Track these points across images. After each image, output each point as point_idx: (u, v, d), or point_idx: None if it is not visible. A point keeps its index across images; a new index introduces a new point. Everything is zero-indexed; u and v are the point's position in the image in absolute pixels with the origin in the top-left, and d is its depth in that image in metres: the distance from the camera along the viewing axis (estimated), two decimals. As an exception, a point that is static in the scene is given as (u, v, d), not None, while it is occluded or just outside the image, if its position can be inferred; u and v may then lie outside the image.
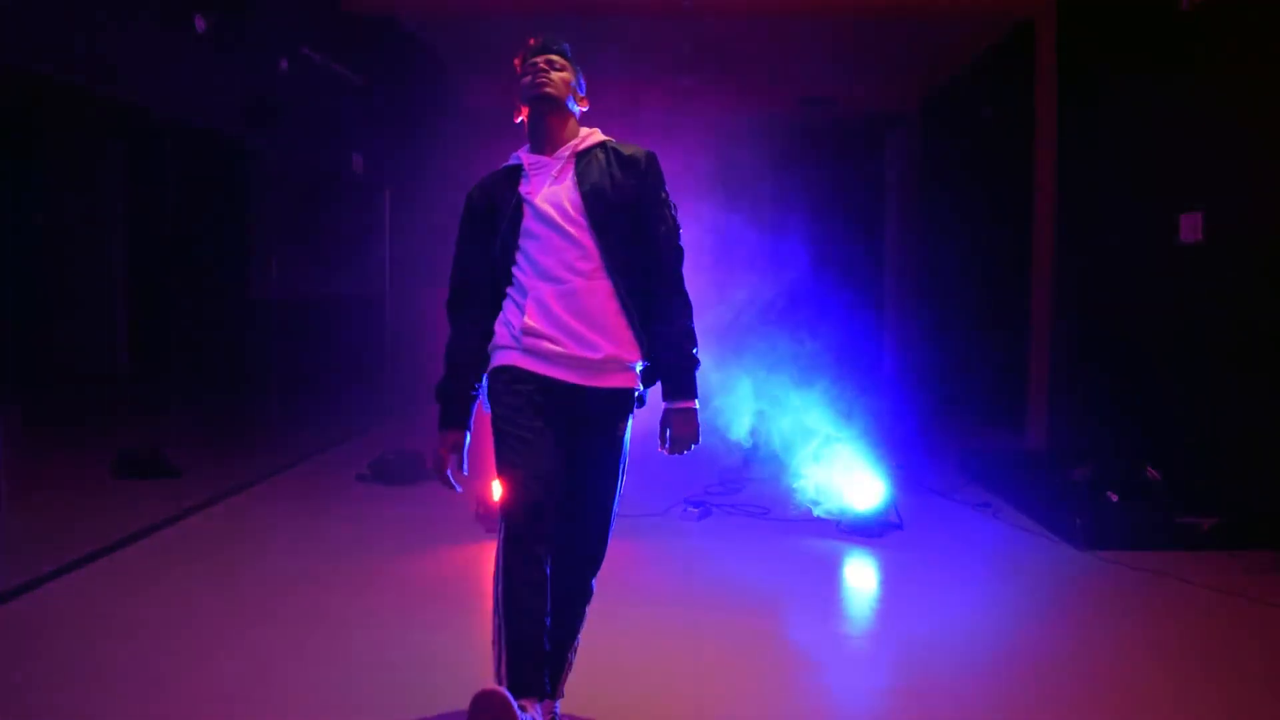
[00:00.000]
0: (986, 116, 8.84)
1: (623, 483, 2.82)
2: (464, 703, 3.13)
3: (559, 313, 2.66)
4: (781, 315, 6.27)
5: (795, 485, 5.57)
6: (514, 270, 2.74)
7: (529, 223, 2.71)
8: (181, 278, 9.14)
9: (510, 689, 2.48)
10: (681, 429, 2.77)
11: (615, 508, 2.82)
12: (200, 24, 6.18)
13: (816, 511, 5.43)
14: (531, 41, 2.86)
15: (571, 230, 2.68)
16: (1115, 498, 5.36)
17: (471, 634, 3.77)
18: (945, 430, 8.33)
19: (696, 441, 2.80)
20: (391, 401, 9.45)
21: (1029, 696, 3.22)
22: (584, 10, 7.76)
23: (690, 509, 5.63)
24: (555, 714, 2.76)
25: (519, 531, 2.62)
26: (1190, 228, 5.67)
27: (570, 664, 2.85)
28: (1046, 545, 5.10)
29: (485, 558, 4.83)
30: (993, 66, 8.79)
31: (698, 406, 2.79)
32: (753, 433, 6.03)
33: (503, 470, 2.75)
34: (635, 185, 2.75)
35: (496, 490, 5.24)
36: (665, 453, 2.83)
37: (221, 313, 9.30)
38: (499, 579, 2.61)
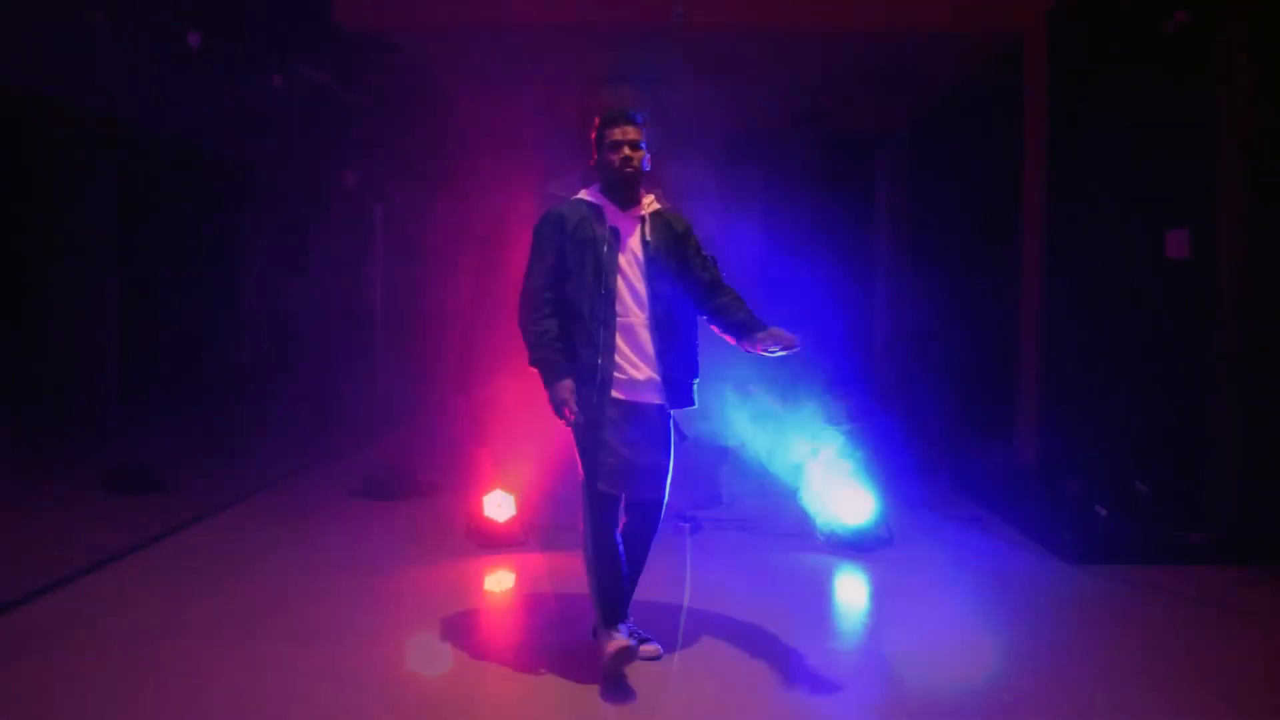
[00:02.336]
0: (976, 132, 8.89)
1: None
2: (457, 715, 3.14)
3: (625, 342, 3.45)
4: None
5: (804, 502, 5.57)
6: (599, 296, 3.42)
7: (620, 258, 3.46)
8: (173, 293, 9.14)
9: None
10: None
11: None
12: (193, 40, 6.20)
13: (819, 525, 5.41)
14: (601, 98, 3.55)
15: (640, 275, 3.47)
16: (1104, 512, 5.38)
17: (463, 646, 3.77)
18: (935, 445, 8.34)
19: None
20: (383, 416, 9.45)
21: (1019, 710, 3.23)
22: (574, 26, 7.79)
23: (681, 524, 5.63)
24: (633, 628, 3.57)
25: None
26: (1177, 244, 5.70)
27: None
28: (1036, 559, 5.12)
29: (476, 572, 4.84)
30: (982, 84, 8.84)
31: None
32: (742, 447, 6.04)
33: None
34: (679, 248, 3.58)
35: (487, 507, 5.28)
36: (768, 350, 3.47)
37: (213, 327, 9.30)
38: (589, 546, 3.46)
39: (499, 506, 5.30)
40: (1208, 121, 5.49)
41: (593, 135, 3.55)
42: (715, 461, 6.29)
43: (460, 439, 6.19)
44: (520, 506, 5.37)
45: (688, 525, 5.63)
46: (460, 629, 3.99)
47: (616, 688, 3.32)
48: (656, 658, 3.59)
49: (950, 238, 9.56)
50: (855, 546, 5.23)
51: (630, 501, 3.54)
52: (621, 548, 3.48)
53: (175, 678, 3.40)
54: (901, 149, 11.16)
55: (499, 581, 4.73)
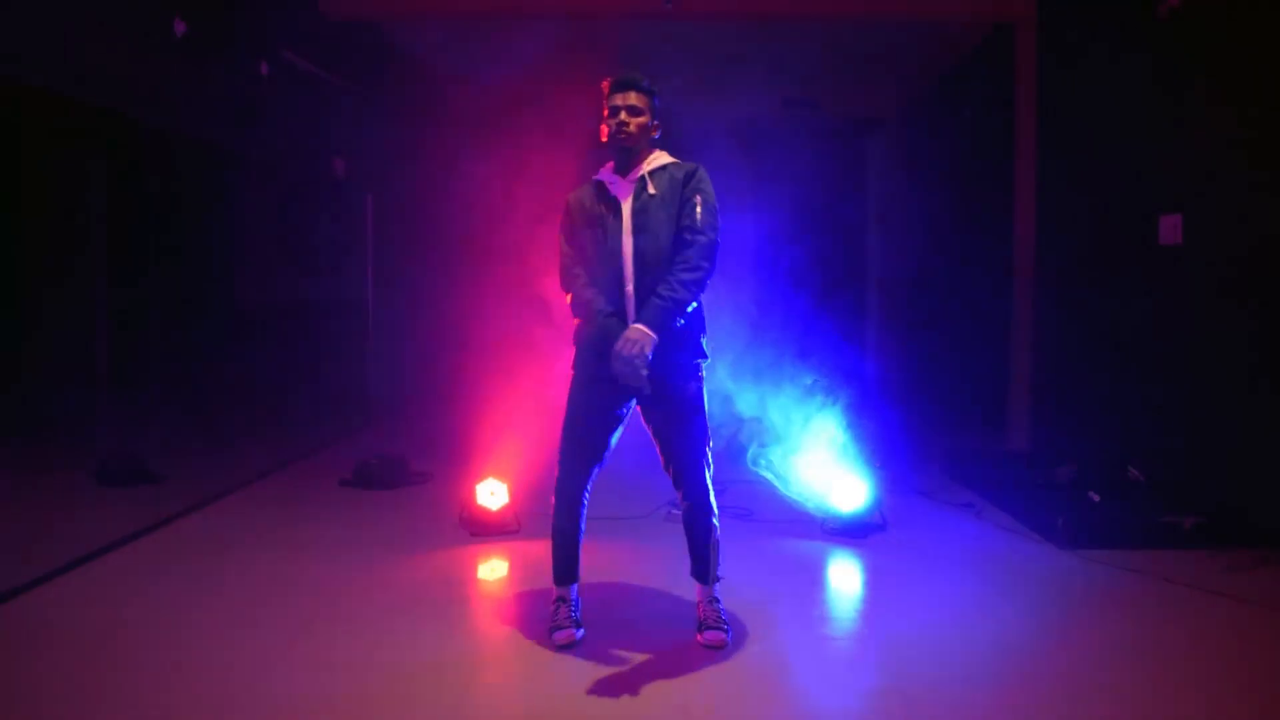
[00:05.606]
0: (967, 119, 8.88)
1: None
2: (449, 706, 3.13)
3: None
4: (762, 319, 6.27)
5: (791, 490, 5.57)
6: (609, 270, 3.49)
7: (621, 225, 3.49)
8: (162, 283, 9.09)
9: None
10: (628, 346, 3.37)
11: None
12: (180, 28, 6.15)
13: (815, 511, 5.41)
14: (606, 82, 3.57)
15: (650, 236, 3.48)
16: (1097, 497, 5.39)
17: (456, 634, 3.77)
18: (928, 431, 8.35)
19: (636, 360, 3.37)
20: (374, 406, 9.42)
21: (1012, 696, 3.23)
22: (564, 12, 7.76)
23: (673, 511, 5.62)
24: (713, 595, 3.75)
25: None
26: (1170, 229, 5.71)
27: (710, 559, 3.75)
28: (1029, 545, 5.12)
29: (469, 561, 4.82)
30: (973, 70, 8.84)
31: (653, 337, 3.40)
32: (738, 431, 6.03)
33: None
34: (679, 195, 3.51)
35: (479, 496, 5.27)
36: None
37: (203, 318, 9.26)
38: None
39: (492, 495, 5.30)
40: (1199, 108, 5.50)
41: (602, 99, 3.58)
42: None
43: (457, 427, 6.15)
44: (513, 495, 5.37)
45: (679, 512, 5.61)
46: (453, 617, 3.98)
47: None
48: (570, 645, 3.60)
49: (941, 224, 9.56)
50: (849, 533, 5.23)
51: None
52: (584, 509, 3.67)
53: (166, 669, 3.39)
54: (892, 136, 11.15)
55: (492, 570, 4.72)
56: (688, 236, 3.47)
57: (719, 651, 3.59)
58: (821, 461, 5.53)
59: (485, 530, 5.24)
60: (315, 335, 9.44)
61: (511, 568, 4.74)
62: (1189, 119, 5.58)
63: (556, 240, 3.67)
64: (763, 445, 5.79)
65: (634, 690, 3.25)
